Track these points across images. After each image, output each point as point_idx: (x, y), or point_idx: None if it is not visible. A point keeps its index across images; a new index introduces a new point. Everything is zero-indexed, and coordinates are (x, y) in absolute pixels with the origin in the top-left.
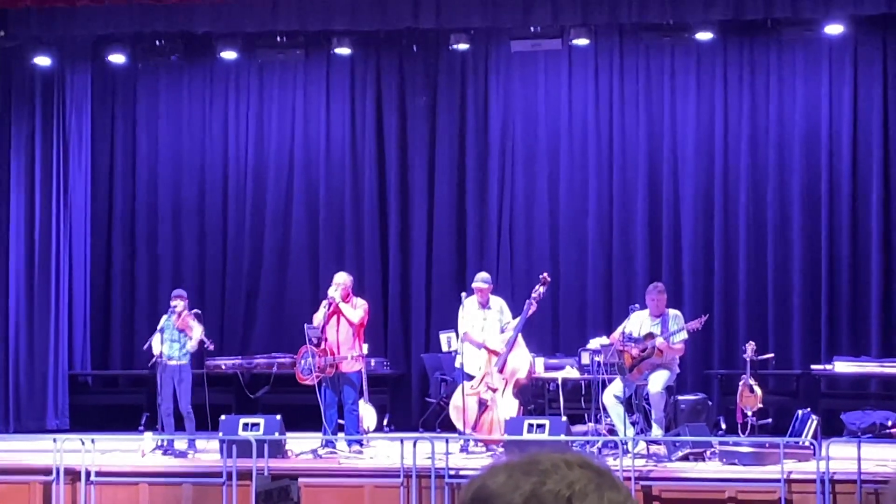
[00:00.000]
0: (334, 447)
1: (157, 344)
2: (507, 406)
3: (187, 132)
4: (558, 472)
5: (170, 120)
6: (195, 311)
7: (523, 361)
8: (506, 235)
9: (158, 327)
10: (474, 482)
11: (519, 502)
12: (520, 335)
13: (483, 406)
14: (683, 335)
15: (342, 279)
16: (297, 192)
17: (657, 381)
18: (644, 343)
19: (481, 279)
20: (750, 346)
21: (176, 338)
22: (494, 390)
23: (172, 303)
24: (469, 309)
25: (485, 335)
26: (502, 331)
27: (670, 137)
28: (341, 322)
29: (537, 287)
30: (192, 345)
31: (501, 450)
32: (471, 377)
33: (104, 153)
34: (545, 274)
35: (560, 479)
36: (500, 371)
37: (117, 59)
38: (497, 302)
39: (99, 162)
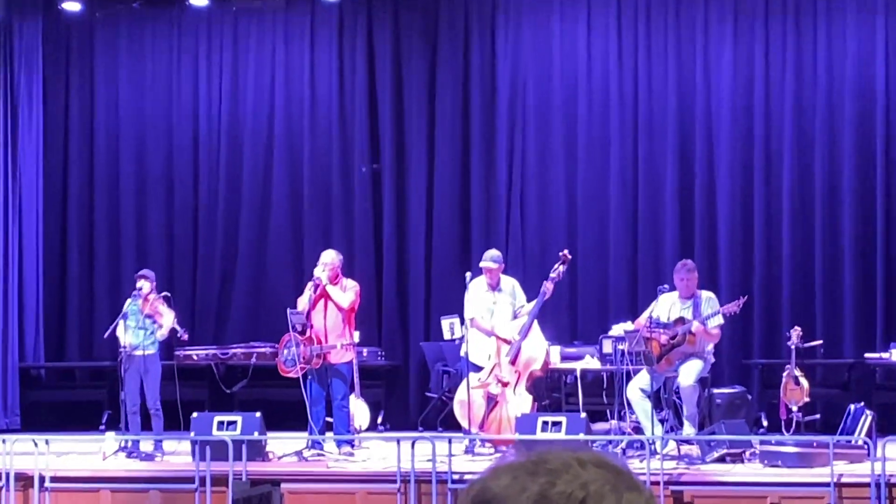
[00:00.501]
0: (322, 448)
1: (120, 332)
2: (519, 402)
3: (152, 90)
4: (570, 472)
5: (132, 77)
6: (164, 294)
7: (539, 351)
8: (516, 208)
9: (121, 313)
10: (474, 485)
11: None
12: (535, 322)
13: (492, 402)
14: (719, 319)
15: (330, 258)
16: (278, 159)
17: (689, 373)
18: (674, 328)
19: (490, 258)
20: (795, 333)
21: (142, 324)
22: (505, 384)
23: (137, 284)
24: (476, 291)
25: (495, 321)
26: (515, 316)
27: (703, 95)
28: (329, 307)
29: (556, 266)
30: (162, 333)
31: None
32: (478, 368)
33: (58, 116)
34: (565, 251)
35: (572, 480)
36: (513, 362)
37: (72, 6)
38: (509, 283)
39: (52, 126)
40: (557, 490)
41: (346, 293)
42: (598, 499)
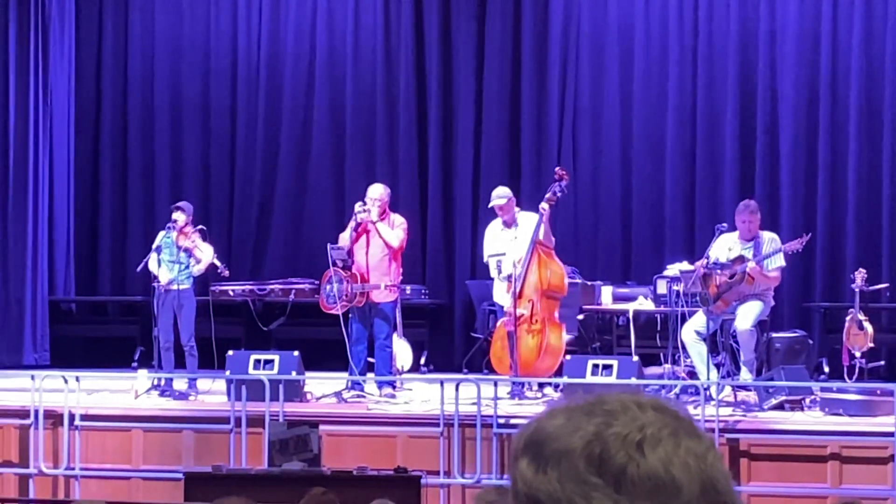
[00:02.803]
0: (362, 390)
1: (154, 266)
2: (548, 334)
3: (189, 14)
4: (628, 414)
5: (168, 1)
6: (200, 227)
7: (546, 273)
8: (568, 141)
9: (154, 245)
10: (529, 426)
11: (579, 445)
12: (542, 250)
13: (513, 341)
14: (780, 260)
15: (378, 193)
16: (320, 88)
17: (747, 315)
18: (732, 268)
19: (496, 196)
20: (859, 275)
21: (177, 258)
22: (519, 318)
23: (173, 216)
24: (490, 232)
25: (514, 257)
26: None
27: (767, 21)
28: (372, 243)
29: (551, 186)
30: (199, 268)
31: (558, 394)
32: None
33: (91, 41)
34: (558, 168)
35: (630, 422)
36: (520, 294)
37: None
38: (527, 218)
39: (85, 50)
40: (613, 431)
41: (395, 230)
42: (654, 443)
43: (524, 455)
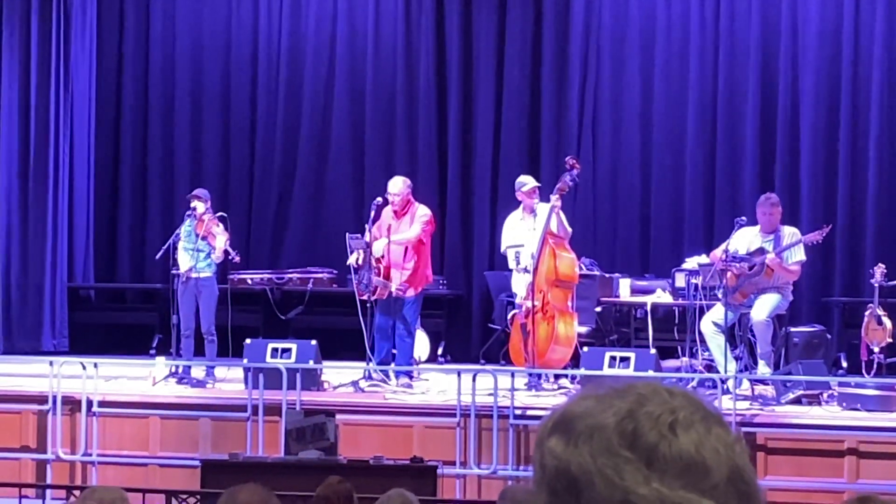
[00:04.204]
0: (385, 377)
1: (178, 254)
2: (558, 323)
3: (210, 5)
4: (660, 397)
5: None
6: (220, 214)
7: (556, 262)
8: (587, 134)
9: (174, 234)
10: (555, 412)
11: (612, 422)
12: (553, 241)
13: (526, 332)
14: (800, 254)
15: (398, 188)
16: (340, 78)
17: (763, 307)
18: (752, 260)
19: (528, 180)
20: (879, 270)
21: (197, 246)
22: (532, 308)
23: (192, 204)
24: (511, 223)
25: (533, 248)
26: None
27: (789, 15)
28: (400, 230)
29: (562, 176)
30: (216, 255)
31: (575, 386)
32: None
33: (112, 29)
34: (569, 158)
35: (662, 403)
36: (532, 286)
37: None
38: (546, 209)
39: (106, 39)
40: (646, 410)
41: (413, 225)
42: (686, 426)
43: (553, 434)
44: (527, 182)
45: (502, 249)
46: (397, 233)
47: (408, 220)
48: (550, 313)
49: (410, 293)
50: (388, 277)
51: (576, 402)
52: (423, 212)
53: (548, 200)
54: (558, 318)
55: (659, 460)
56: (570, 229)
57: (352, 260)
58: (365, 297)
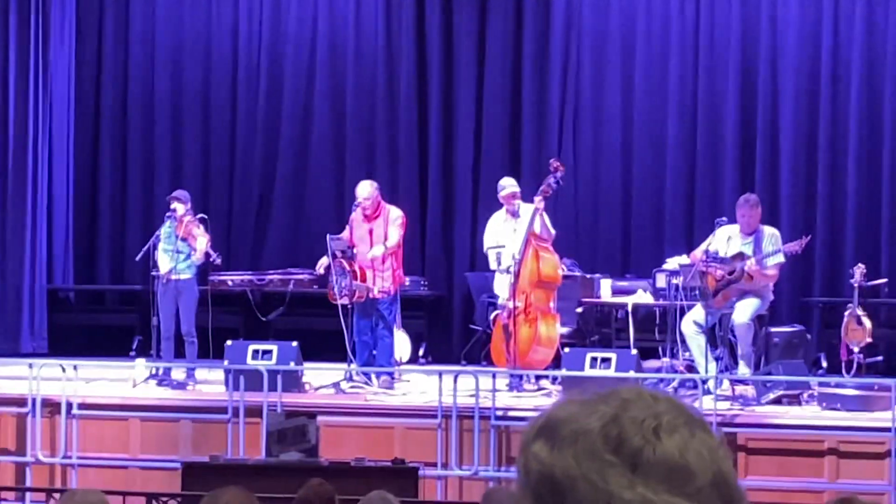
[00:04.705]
0: (367, 378)
1: (158, 255)
2: (540, 324)
3: (190, 5)
4: (643, 402)
5: None
6: (200, 216)
7: (539, 264)
8: (568, 135)
9: (154, 235)
10: (539, 417)
11: (596, 427)
12: (536, 242)
13: (508, 333)
14: (780, 258)
15: (367, 192)
16: (321, 77)
17: (744, 311)
18: (732, 264)
19: (510, 183)
20: (858, 270)
21: (177, 247)
22: (514, 310)
23: (171, 206)
24: (494, 224)
25: (513, 249)
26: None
27: (769, 16)
28: (373, 239)
29: (546, 179)
30: (197, 257)
31: (556, 387)
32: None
33: (91, 28)
34: (553, 160)
35: (646, 408)
36: (514, 286)
37: None
38: (528, 210)
39: (85, 39)
40: (630, 415)
41: (391, 229)
42: (670, 430)
43: (537, 439)
44: (505, 186)
45: (484, 249)
46: (371, 237)
47: (381, 223)
48: (533, 315)
49: (390, 293)
50: (364, 280)
51: (560, 406)
52: (396, 214)
53: (531, 202)
54: (541, 319)
55: (643, 464)
56: (553, 231)
57: (320, 267)
58: (345, 301)
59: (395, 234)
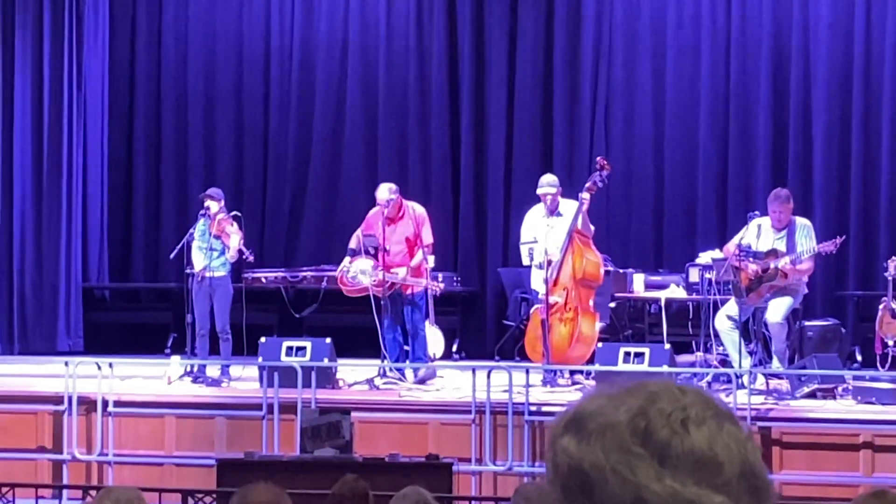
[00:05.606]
0: (401, 374)
1: (195, 254)
2: (581, 322)
3: (222, 4)
4: (671, 395)
5: None
6: (234, 213)
7: (581, 261)
8: (600, 130)
9: (188, 233)
10: (567, 411)
11: (624, 419)
12: (579, 239)
13: (545, 327)
14: (811, 244)
15: (385, 196)
16: (353, 76)
17: (778, 309)
18: (765, 261)
19: (547, 183)
20: (893, 263)
21: (211, 245)
22: (552, 306)
23: (205, 204)
24: (531, 218)
25: (548, 245)
26: None
27: (801, 8)
28: (396, 234)
29: (592, 176)
30: (231, 254)
31: (590, 381)
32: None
33: (124, 28)
34: (600, 158)
35: (674, 401)
36: (555, 282)
37: None
38: (569, 207)
39: (118, 39)
40: (658, 407)
41: (425, 232)
42: (698, 422)
43: (565, 433)
44: (541, 184)
45: (521, 243)
46: (398, 229)
47: (407, 223)
48: (572, 312)
49: (418, 287)
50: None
51: (588, 400)
52: (420, 211)
53: (575, 198)
54: (581, 316)
55: (671, 457)
56: (592, 227)
57: (345, 268)
58: (379, 294)
59: (428, 234)
